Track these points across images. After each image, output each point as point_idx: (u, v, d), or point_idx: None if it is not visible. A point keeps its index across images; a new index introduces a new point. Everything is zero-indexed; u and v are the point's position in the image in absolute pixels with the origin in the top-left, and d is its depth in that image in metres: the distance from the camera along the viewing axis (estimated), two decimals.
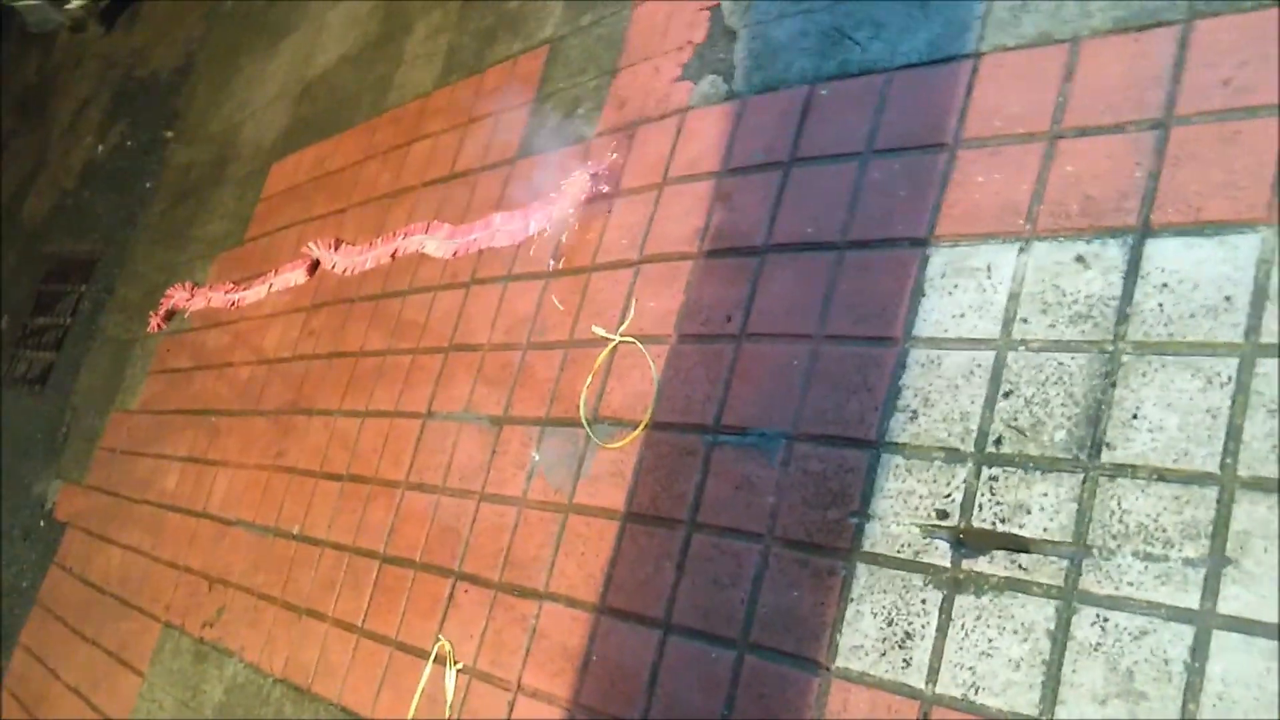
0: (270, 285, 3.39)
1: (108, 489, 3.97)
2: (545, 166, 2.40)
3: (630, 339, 1.95)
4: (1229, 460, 1.19)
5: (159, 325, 4.10)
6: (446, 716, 1.96)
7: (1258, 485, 1.16)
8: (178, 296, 4.03)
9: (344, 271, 3.02)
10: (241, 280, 3.63)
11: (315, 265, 3.21)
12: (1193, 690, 1.14)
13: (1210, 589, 1.16)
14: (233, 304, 3.60)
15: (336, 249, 3.10)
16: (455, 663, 2.00)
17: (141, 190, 5.02)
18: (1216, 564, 1.16)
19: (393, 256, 2.82)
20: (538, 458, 2.04)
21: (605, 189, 2.18)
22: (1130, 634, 1.20)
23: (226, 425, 3.29)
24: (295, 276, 3.26)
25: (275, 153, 3.93)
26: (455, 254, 2.56)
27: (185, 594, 3.08)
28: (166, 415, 3.76)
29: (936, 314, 1.52)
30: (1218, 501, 1.18)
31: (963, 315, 1.49)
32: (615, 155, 2.20)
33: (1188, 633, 1.16)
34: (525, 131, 2.55)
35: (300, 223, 3.44)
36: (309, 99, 3.91)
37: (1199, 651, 1.15)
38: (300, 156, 3.72)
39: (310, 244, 3.21)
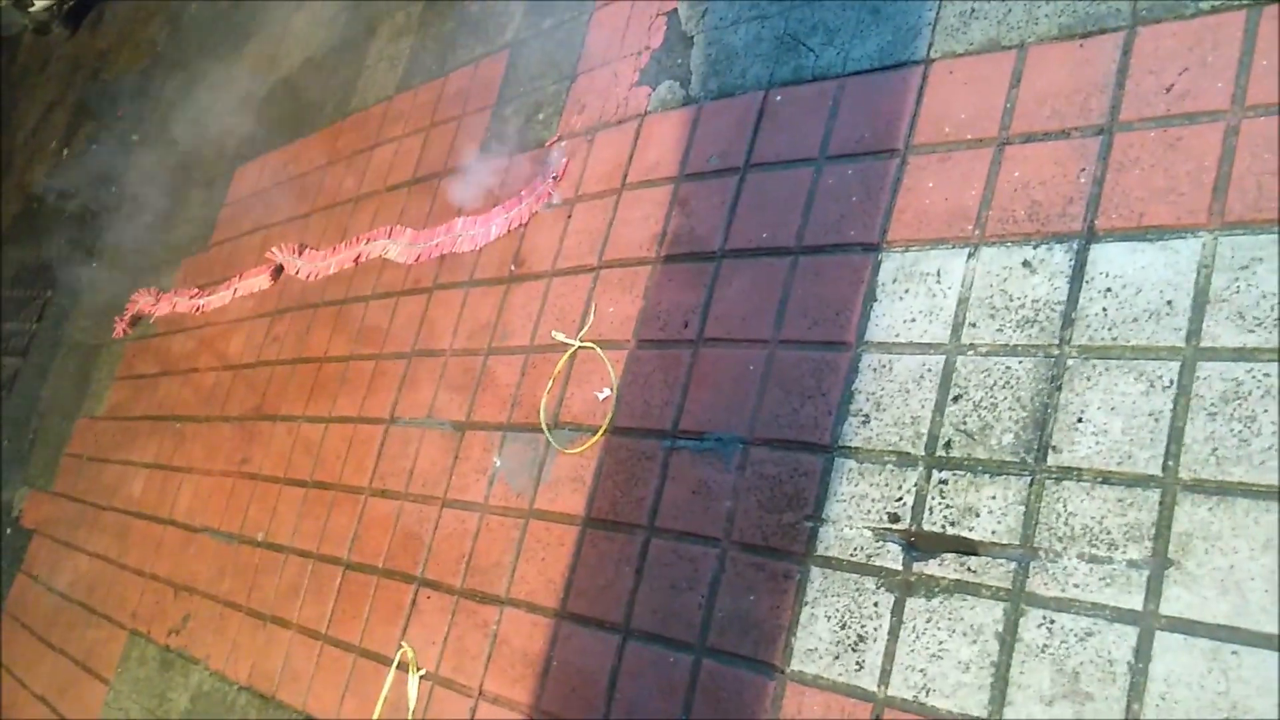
0: (235, 290, 3.38)
1: (74, 496, 3.94)
2: (507, 171, 2.41)
3: (590, 344, 1.95)
4: (1170, 463, 1.20)
5: (124, 331, 4.08)
6: None
7: (1199, 487, 1.18)
8: (143, 301, 4.01)
9: (308, 277, 3.01)
10: (206, 285, 3.61)
11: (279, 270, 3.20)
12: (1137, 690, 1.15)
13: (1153, 590, 1.18)
14: (198, 309, 3.58)
15: (300, 254, 3.09)
16: (418, 669, 2.00)
17: (107, 194, 4.98)
18: (1159, 566, 1.18)
19: (356, 261, 2.82)
20: (499, 463, 2.05)
21: (565, 194, 2.19)
22: (1076, 635, 1.21)
23: (192, 431, 3.28)
24: (259, 282, 3.25)
25: (240, 157, 3.91)
26: (418, 259, 2.56)
27: (151, 601, 3.07)
28: (132, 421, 3.73)
29: (888, 319, 1.53)
30: (1160, 504, 1.20)
31: (913, 320, 1.50)
32: (574, 160, 2.20)
33: (1131, 634, 1.18)
34: (486, 136, 2.55)
35: (264, 227, 3.43)
36: (273, 102, 3.89)
37: (1142, 652, 1.16)
38: (264, 160, 3.71)
39: (274, 249, 3.20)
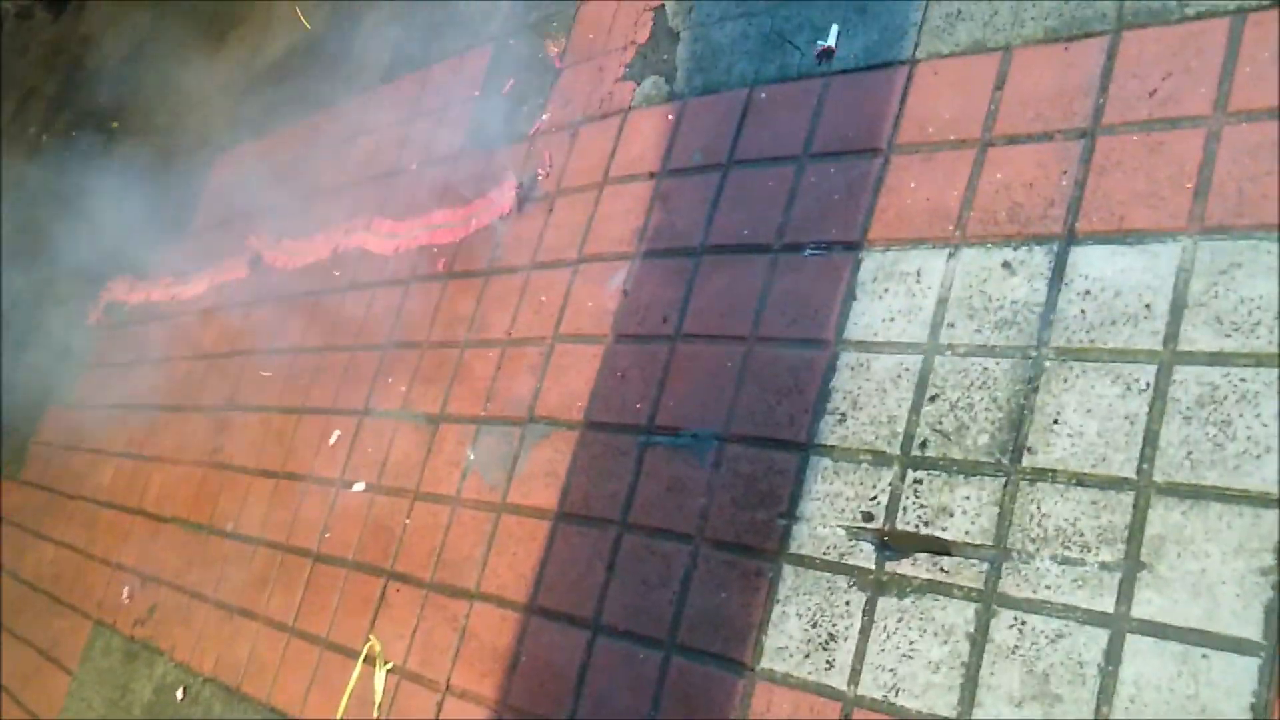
0: (211, 279, 3.35)
1: (43, 484, 3.90)
2: (488, 163, 2.39)
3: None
4: (1145, 466, 1.20)
5: (99, 318, 4.04)
6: (375, 717, 1.94)
7: (1172, 490, 1.17)
8: (118, 289, 3.97)
9: (284, 266, 2.98)
10: (183, 273, 3.58)
11: (257, 259, 3.17)
12: (1106, 693, 1.15)
13: (1125, 593, 1.17)
14: (173, 297, 3.55)
15: (278, 243, 3.06)
16: (385, 663, 1.98)
17: (85, 181, 4.93)
18: (1131, 568, 1.17)
19: (333, 252, 2.79)
20: (473, 456, 2.03)
21: (547, 188, 2.17)
22: (1047, 637, 1.21)
23: (163, 420, 3.24)
24: (236, 270, 3.22)
25: (220, 146, 3.88)
26: (396, 250, 2.54)
27: (118, 592, 3.03)
28: (104, 410, 3.69)
29: (867, 317, 1.52)
30: (1134, 506, 1.19)
31: (892, 319, 1.49)
32: (556, 154, 2.19)
33: (1102, 636, 1.17)
34: (469, 128, 2.53)
35: (243, 216, 3.40)
36: (255, 92, 3.86)
37: (1113, 655, 1.16)
38: (244, 149, 3.68)
39: (251, 237, 3.17)
